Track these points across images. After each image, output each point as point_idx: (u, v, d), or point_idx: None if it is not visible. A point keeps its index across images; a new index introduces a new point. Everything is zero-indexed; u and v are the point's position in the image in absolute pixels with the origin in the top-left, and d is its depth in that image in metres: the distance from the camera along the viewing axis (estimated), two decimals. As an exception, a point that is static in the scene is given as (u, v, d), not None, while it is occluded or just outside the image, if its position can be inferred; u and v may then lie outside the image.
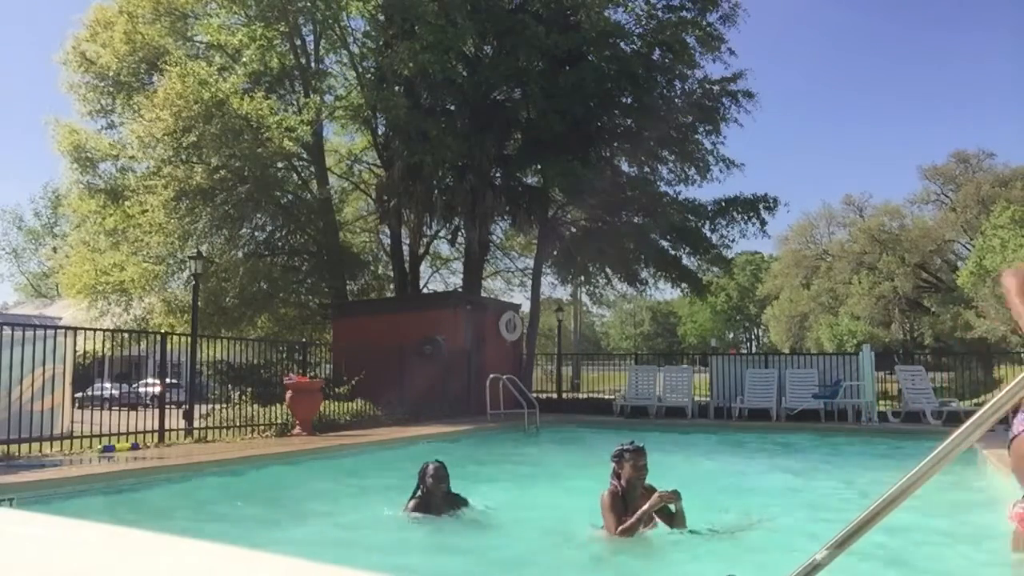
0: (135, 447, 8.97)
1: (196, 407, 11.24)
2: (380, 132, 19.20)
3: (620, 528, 4.66)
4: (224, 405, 12.09)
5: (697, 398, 15.50)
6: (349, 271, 19.58)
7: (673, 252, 20.46)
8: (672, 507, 4.78)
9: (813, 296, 43.70)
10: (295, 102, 17.69)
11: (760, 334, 71.11)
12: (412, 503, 5.69)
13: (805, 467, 9.57)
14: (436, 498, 5.64)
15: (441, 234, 21.13)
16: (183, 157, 16.14)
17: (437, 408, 14.00)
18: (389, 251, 20.90)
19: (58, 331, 9.74)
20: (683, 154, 19.66)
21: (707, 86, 19.42)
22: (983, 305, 27.34)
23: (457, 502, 5.77)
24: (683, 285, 21.40)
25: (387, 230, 20.02)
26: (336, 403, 12.30)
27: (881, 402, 14.75)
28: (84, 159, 17.81)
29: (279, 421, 11.23)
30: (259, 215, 18.63)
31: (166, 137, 15.48)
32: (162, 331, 12.56)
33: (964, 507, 6.30)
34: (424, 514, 5.62)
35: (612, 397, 16.66)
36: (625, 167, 20.55)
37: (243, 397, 12.22)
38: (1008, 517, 3.97)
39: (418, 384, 13.98)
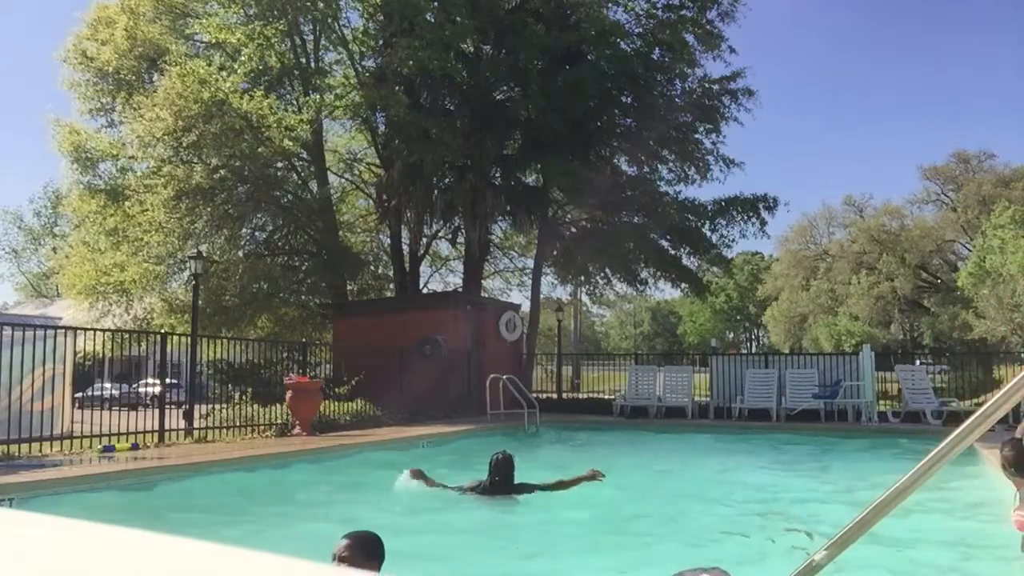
0: (135, 447, 8.96)
1: (196, 407, 11.23)
2: (380, 131, 19.19)
3: None
4: (224, 405, 12.07)
5: (697, 398, 15.47)
6: (349, 271, 19.55)
7: (673, 252, 20.44)
8: None
9: (813, 297, 43.65)
10: (295, 101, 17.69)
11: (760, 334, 71.05)
12: (475, 483, 6.37)
13: (805, 467, 9.57)
14: (496, 488, 6.26)
15: (441, 234, 21.12)
16: (183, 157, 16.13)
17: (437, 408, 13.98)
18: (389, 251, 20.88)
19: (58, 331, 9.72)
20: (683, 153, 19.64)
21: (707, 85, 19.41)
22: (983, 305, 27.31)
23: (521, 490, 6.32)
24: (683, 285, 21.39)
25: (387, 230, 20.02)
26: (336, 403, 12.28)
27: (881, 402, 14.73)
28: (84, 159, 17.78)
29: (279, 421, 11.22)
30: (259, 215, 18.63)
31: (166, 136, 15.46)
32: (162, 331, 12.54)
33: (963, 507, 6.30)
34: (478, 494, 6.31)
35: (612, 397, 16.64)
36: (625, 167, 20.56)
37: (243, 397, 12.19)
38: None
39: (418, 384, 13.95)
